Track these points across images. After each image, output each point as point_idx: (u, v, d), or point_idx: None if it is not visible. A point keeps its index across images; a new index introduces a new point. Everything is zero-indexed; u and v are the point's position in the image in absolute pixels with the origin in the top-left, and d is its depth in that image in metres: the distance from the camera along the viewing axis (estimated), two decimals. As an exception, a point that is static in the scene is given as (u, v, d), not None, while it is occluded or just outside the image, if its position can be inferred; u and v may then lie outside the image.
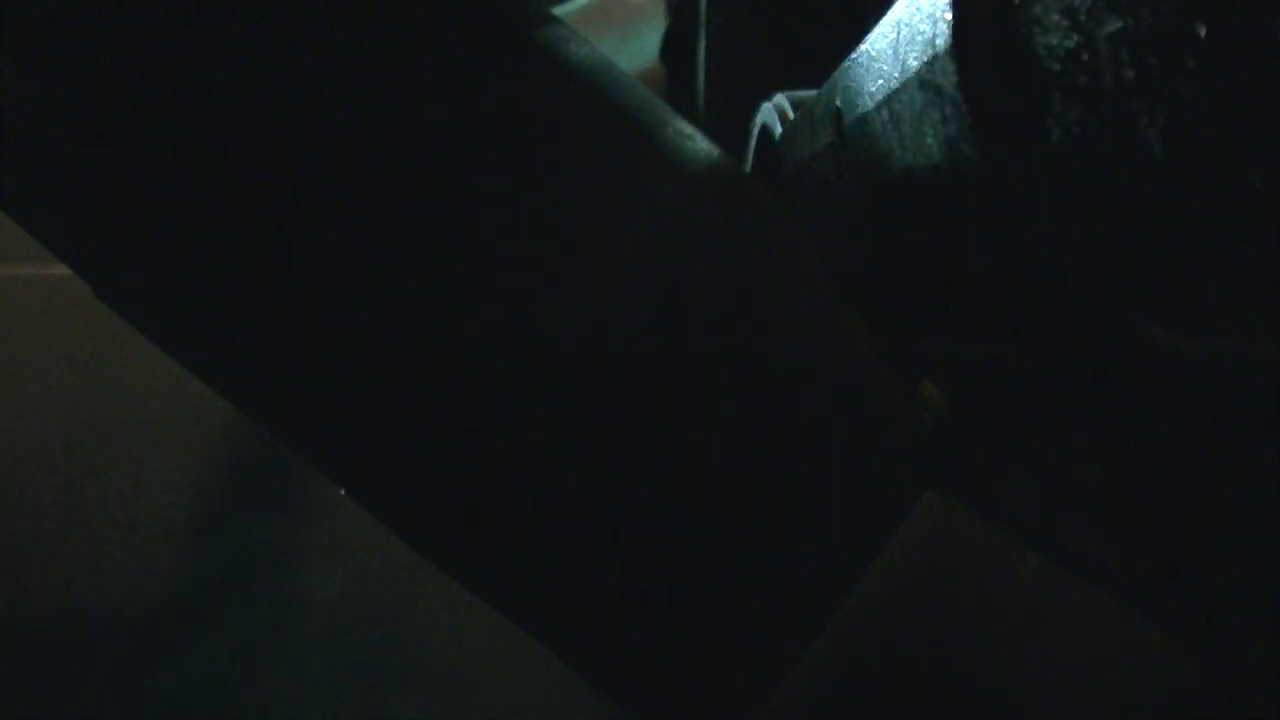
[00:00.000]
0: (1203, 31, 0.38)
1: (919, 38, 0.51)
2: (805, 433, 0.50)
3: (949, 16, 0.48)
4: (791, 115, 0.62)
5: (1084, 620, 0.49)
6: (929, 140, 0.51)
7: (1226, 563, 0.48)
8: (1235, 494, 0.47)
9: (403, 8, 0.50)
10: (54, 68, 0.48)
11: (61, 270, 0.54)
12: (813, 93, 0.61)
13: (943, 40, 0.49)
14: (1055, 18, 0.44)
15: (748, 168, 0.68)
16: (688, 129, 0.55)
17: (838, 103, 0.56)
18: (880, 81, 0.54)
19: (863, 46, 0.56)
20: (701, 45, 1.04)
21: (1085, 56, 0.46)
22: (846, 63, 0.57)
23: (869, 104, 0.54)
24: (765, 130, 0.66)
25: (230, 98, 0.48)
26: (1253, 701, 0.48)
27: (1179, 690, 0.49)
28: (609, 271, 0.50)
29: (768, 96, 0.66)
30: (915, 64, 0.51)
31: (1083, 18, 0.44)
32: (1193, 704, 0.48)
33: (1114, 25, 0.44)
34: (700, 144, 0.55)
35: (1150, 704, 0.49)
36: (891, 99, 0.53)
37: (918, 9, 0.51)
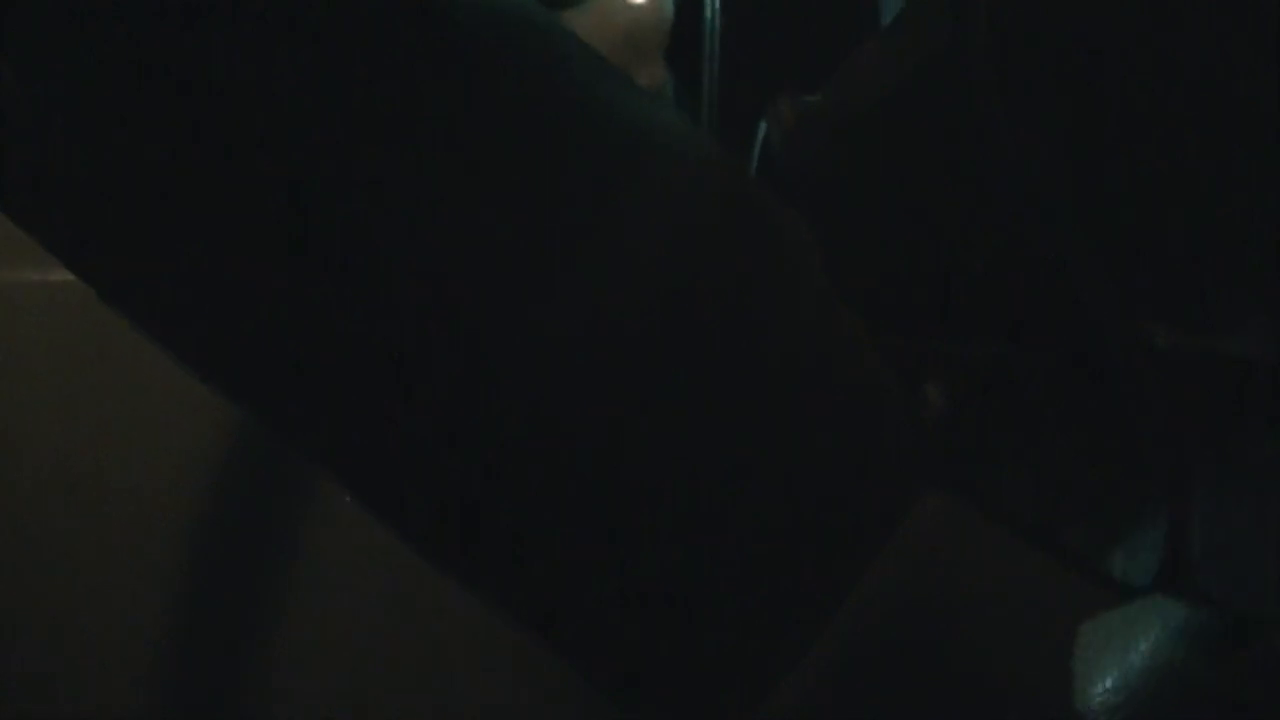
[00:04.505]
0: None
1: (920, 39, 0.51)
2: (805, 432, 0.50)
3: (949, 18, 0.48)
4: (795, 116, 0.62)
5: (1084, 620, 0.49)
6: (930, 140, 0.51)
7: (1227, 563, 0.48)
8: (1235, 494, 0.47)
9: (404, 8, 0.50)
10: (54, 68, 0.48)
11: (64, 275, 0.54)
12: (817, 94, 0.61)
13: (944, 42, 0.49)
14: (1054, 21, 0.44)
15: (752, 169, 0.68)
16: (690, 130, 0.55)
17: (840, 103, 0.56)
18: (882, 82, 0.54)
19: (865, 47, 0.56)
20: (705, 46, 1.04)
21: (1084, 60, 0.46)
22: (849, 63, 0.57)
23: (871, 104, 0.54)
24: (769, 131, 0.65)
25: (230, 98, 0.48)
26: (1253, 701, 0.48)
27: (1180, 690, 0.49)
28: (609, 272, 0.50)
29: (772, 98, 0.66)
30: (917, 64, 0.51)
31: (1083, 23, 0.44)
32: (1193, 704, 0.48)
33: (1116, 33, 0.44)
34: (703, 145, 0.55)
35: (1151, 704, 0.49)
36: (893, 99, 0.53)
37: (918, 10, 0.51)
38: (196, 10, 0.47)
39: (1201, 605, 0.48)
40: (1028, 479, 0.50)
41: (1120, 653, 0.49)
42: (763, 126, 0.66)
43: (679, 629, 0.50)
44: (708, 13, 1.04)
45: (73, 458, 1.01)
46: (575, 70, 0.52)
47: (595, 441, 0.49)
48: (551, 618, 0.53)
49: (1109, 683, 0.49)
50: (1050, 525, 0.50)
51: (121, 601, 1.00)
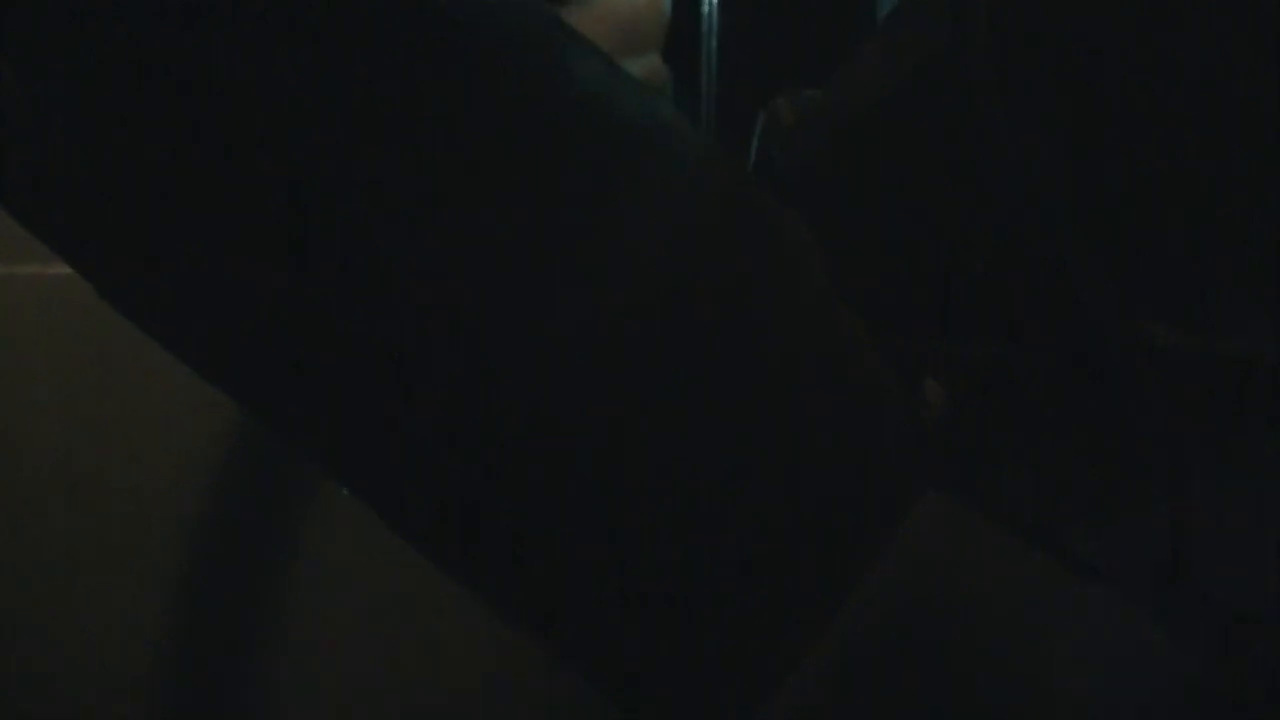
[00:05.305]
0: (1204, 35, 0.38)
1: (919, 39, 0.51)
2: (805, 432, 0.50)
3: (949, 18, 0.48)
4: (795, 115, 0.62)
5: (1084, 620, 0.49)
6: (930, 140, 0.51)
7: (1227, 563, 0.48)
8: (1235, 493, 0.47)
9: (404, 8, 0.50)
10: (54, 68, 0.48)
11: (64, 269, 0.54)
12: (816, 93, 0.62)
13: (943, 42, 0.49)
14: (1054, 21, 0.44)
15: (751, 167, 0.68)
16: (690, 129, 0.55)
17: (840, 103, 0.56)
18: (882, 82, 0.54)
19: (865, 47, 0.56)
20: (705, 45, 1.04)
21: (1084, 60, 0.46)
22: (849, 63, 0.57)
23: (871, 104, 0.54)
24: (768, 130, 0.66)
25: (230, 98, 0.48)
26: (1253, 701, 0.48)
27: (1179, 690, 0.49)
28: (609, 272, 0.50)
29: (772, 96, 0.66)
30: (917, 64, 0.51)
31: (1083, 24, 0.44)
32: (1193, 704, 0.48)
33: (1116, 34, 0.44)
34: (702, 144, 0.55)
35: (1151, 704, 0.49)
36: (893, 100, 0.53)
37: (918, 10, 0.51)
38: (196, 10, 0.47)
39: (1201, 605, 0.48)
40: (1028, 479, 0.50)
41: (1120, 652, 0.49)
42: (761, 124, 0.66)
43: (679, 629, 0.50)
44: (705, 9, 1.04)
45: (73, 457, 1.01)
46: (576, 68, 0.52)
47: (595, 441, 0.49)
48: (551, 618, 0.53)
49: (1109, 683, 0.49)
50: (1050, 525, 0.50)
51: (121, 601, 1.00)
